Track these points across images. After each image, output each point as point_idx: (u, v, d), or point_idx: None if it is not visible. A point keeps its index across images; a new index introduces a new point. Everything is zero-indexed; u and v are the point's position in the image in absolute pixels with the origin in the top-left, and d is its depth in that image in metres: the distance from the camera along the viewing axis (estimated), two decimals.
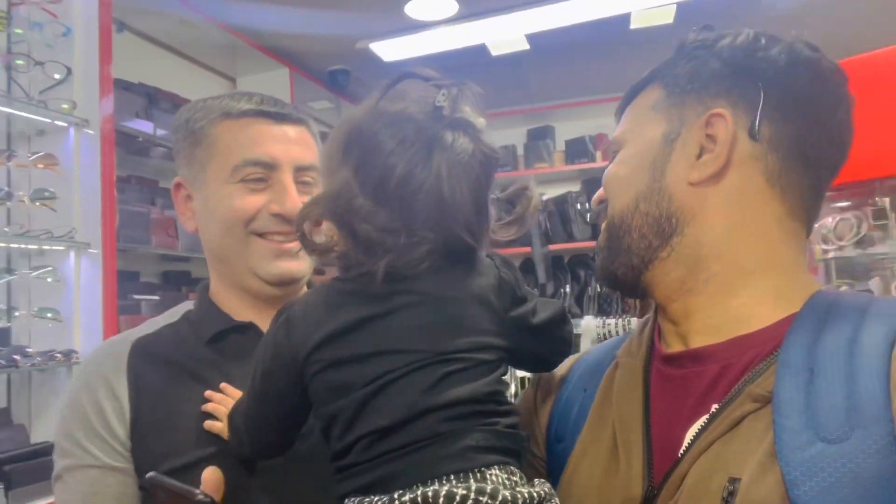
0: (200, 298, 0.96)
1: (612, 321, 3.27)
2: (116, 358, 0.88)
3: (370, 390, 0.60)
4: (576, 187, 4.26)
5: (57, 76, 2.28)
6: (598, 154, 4.23)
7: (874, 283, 2.04)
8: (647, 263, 0.67)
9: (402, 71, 0.66)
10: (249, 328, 0.90)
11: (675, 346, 0.68)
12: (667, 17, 3.29)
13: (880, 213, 1.87)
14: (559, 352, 0.78)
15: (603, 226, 0.72)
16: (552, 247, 4.12)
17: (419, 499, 0.56)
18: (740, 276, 0.64)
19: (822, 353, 0.54)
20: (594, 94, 4.23)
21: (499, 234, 0.68)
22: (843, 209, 2.08)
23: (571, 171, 4.25)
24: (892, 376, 0.51)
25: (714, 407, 0.59)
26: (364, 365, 0.61)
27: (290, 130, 0.92)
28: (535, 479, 0.62)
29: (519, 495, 0.57)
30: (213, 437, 0.79)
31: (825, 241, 2.07)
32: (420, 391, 0.60)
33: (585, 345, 2.27)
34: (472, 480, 0.57)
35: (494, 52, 3.53)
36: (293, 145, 0.91)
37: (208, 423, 0.79)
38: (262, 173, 0.89)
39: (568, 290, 4.14)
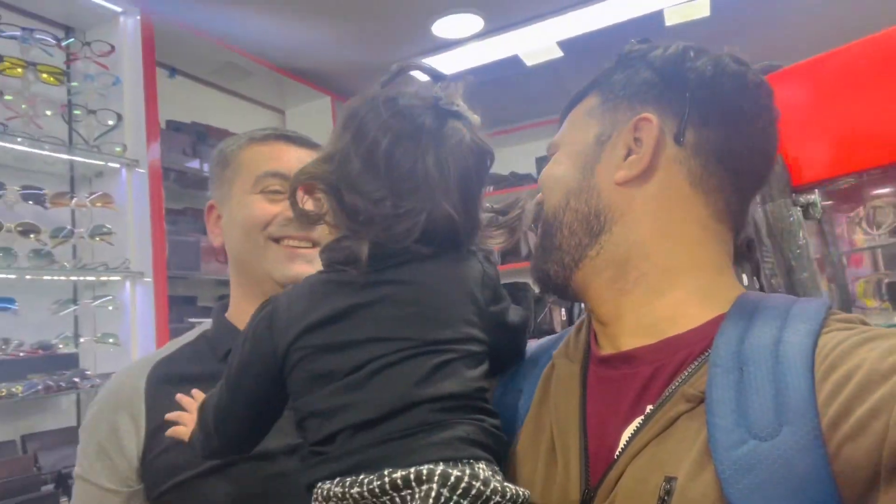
0: (216, 318, 1.04)
1: None
2: (137, 379, 0.96)
3: (355, 378, 0.60)
4: None
5: (110, 122, 2.52)
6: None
7: None
8: (578, 262, 0.69)
9: (404, 63, 0.70)
10: None
11: (607, 348, 0.69)
12: (703, 9, 3.20)
13: None
14: (519, 356, 0.80)
15: (539, 230, 0.75)
16: None
17: (412, 476, 0.55)
18: (667, 275, 0.66)
19: (749, 353, 0.56)
20: None
21: (490, 239, 0.72)
22: (879, 196, 1.95)
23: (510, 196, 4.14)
24: (816, 372, 0.52)
25: (649, 408, 0.60)
26: (349, 352, 0.61)
27: (308, 153, 1.03)
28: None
29: (508, 490, 0.58)
30: None
31: (860, 230, 1.95)
32: (411, 382, 0.60)
33: None
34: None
35: (529, 63, 3.54)
36: None
37: (171, 430, 0.80)
38: (281, 185, 0.99)
39: None
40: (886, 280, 1.88)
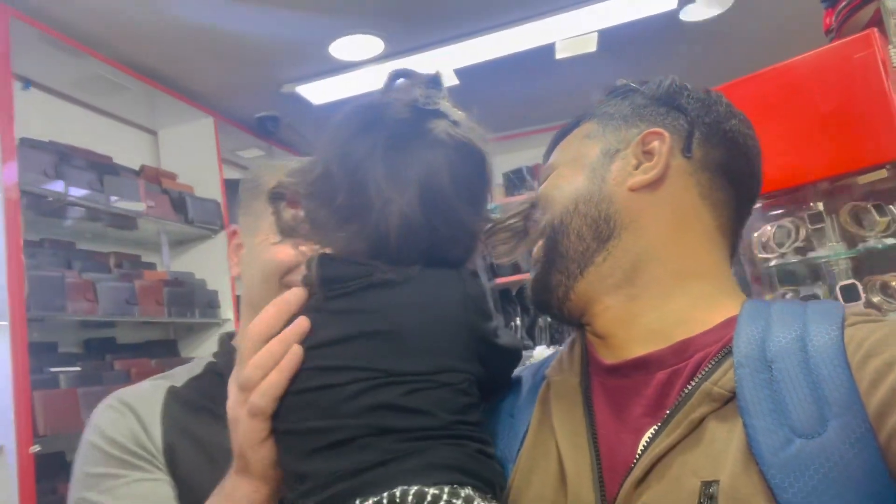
0: (224, 349, 0.98)
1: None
2: (151, 402, 0.89)
3: (319, 406, 0.57)
4: None
5: None
6: (536, 184, 4.24)
7: (819, 288, 2.04)
8: (583, 269, 0.67)
9: (397, 70, 0.66)
10: None
11: (613, 358, 0.67)
12: (590, 45, 3.35)
13: (816, 217, 1.88)
14: (507, 382, 0.74)
15: (540, 242, 0.71)
16: (499, 280, 4.06)
17: (385, 500, 0.52)
18: (677, 279, 0.66)
19: (776, 350, 0.55)
20: (527, 126, 4.27)
21: (494, 250, 0.67)
22: (779, 216, 2.09)
23: (511, 204, 4.21)
24: (851, 362, 0.51)
25: (666, 412, 0.57)
26: (316, 379, 0.58)
27: None
28: None
29: None
30: None
31: (765, 249, 2.07)
32: (379, 406, 0.56)
33: None
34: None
35: None
36: None
37: None
38: None
39: (518, 322, 4.08)
40: (793, 297, 2.01)
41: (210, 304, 3.14)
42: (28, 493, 1.96)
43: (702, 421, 0.55)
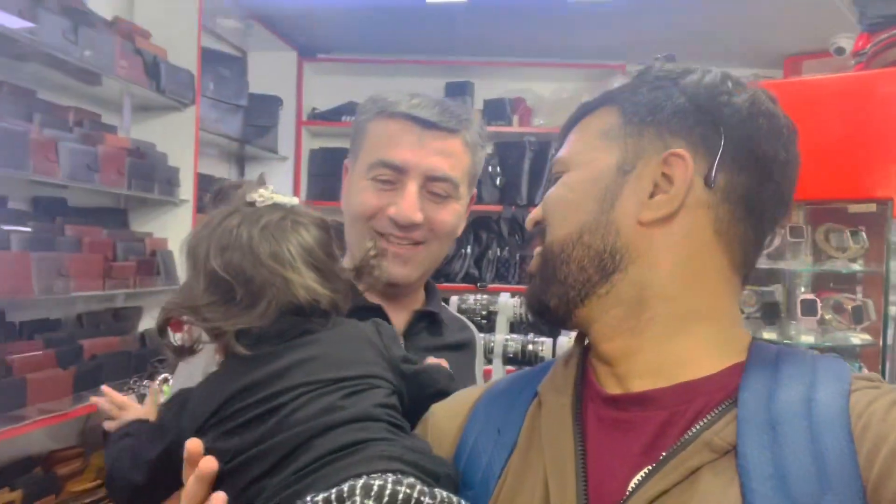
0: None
1: None
2: None
3: (272, 423, 0.65)
4: (488, 149, 4.21)
5: None
6: (516, 119, 4.19)
7: (777, 289, 2.16)
8: (584, 298, 0.65)
9: (217, 187, 0.81)
10: (378, 310, 0.98)
11: (613, 388, 0.65)
12: None
13: (797, 231, 1.98)
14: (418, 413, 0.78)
15: (537, 251, 0.70)
16: None
17: (333, 497, 0.56)
18: (682, 320, 0.63)
19: (781, 410, 0.55)
20: (520, 57, 4.15)
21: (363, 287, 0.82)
22: None
23: (486, 133, 4.17)
24: (854, 433, 0.52)
25: (662, 455, 0.57)
26: (264, 403, 0.66)
27: (435, 139, 0.97)
28: None
29: (438, 493, 0.59)
30: None
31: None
32: (320, 410, 0.65)
33: (502, 322, 2.24)
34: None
35: (429, 0, 3.33)
36: (431, 154, 0.96)
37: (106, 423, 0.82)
38: (392, 175, 0.96)
39: (469, 251, 4.14)
40: (751, 294, 2.13)
41: (170, 181, 2.99)
42: None
43: (697, 469, 0.54)
